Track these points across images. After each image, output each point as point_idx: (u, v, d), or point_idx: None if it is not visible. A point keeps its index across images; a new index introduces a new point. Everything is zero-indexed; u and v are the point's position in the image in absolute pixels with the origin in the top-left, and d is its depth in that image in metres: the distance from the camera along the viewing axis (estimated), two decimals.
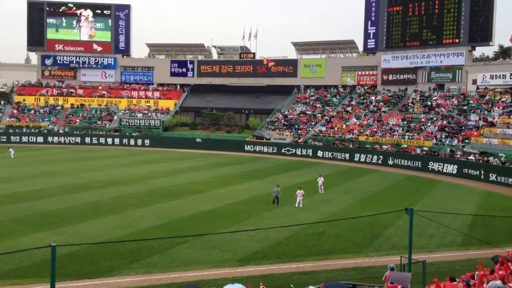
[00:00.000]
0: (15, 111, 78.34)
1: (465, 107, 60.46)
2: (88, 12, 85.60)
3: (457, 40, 65.88)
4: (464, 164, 46.74)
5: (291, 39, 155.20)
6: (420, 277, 15.36)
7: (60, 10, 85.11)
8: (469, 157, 47.94)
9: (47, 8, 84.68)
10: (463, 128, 55.85)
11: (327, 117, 69.61)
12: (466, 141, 52.76)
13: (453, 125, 57.26)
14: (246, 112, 79.71)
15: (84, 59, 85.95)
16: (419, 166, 50.52)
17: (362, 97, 72.92)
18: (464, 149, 50.75)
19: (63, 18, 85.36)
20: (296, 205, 30.60)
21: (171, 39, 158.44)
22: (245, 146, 66.75)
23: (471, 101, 61.14)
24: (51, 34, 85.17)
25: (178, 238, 21.23)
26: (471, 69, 66.05)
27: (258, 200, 32.69)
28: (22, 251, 15.71)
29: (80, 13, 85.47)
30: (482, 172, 44.29)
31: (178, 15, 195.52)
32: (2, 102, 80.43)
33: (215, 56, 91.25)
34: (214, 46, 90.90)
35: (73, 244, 19.74)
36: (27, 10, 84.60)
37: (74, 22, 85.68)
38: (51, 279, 10.66)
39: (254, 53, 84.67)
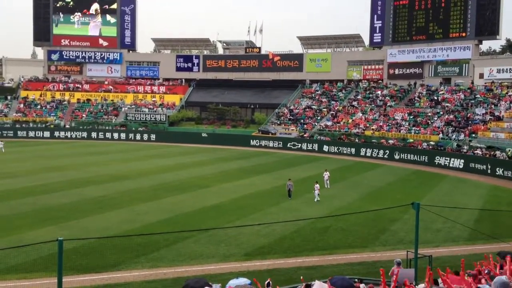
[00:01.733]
0: (21, 106, 78.61)
1: (471, 101, 60.14)
2: (94, 7, 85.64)
3: (463, 34, 65.44)
4: (471, 159, 46.55)
5: (296, 34, 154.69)
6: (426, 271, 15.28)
7: (66, 5, 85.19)
8: (475, 152, 47.74)
9: (53, 4, 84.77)
10: (469, 122, 55.54)
11: (333, 112, 69.41)
12: (473, 135, 52.49)
13: (459, 119, 56.98)
14: (252, 106, 79.60)
15: (90, 54, 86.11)
16: (426, 160, 50.37)
17: (368, 92, 72.63)
18: (470, 144, 50.52)
19: (69, 13, 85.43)
20: (317, 200, 30.77)
21: (176, 34, 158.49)
22: (251, 140, 66.72)
23: (478, 95, 60.79)
24: (57, 29, 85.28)
25: (184, 233, 21.28)
26: (478, 63, 65.63)
27: (263, 195, 32.70)
28: (29, 246, 15.80)
29: (86, 8, 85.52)
30: (489, 167, 44.11)
31: (183, 10, 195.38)
32: (9, 97, 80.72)
33: (220, 51, 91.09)
34: (220, 41, 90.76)
35: (80, 239, 19.84)
36: (33, 6, 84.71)
37: (80, 17, 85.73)
38: (58, 273, 10.68)
39: (259, 48, 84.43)
